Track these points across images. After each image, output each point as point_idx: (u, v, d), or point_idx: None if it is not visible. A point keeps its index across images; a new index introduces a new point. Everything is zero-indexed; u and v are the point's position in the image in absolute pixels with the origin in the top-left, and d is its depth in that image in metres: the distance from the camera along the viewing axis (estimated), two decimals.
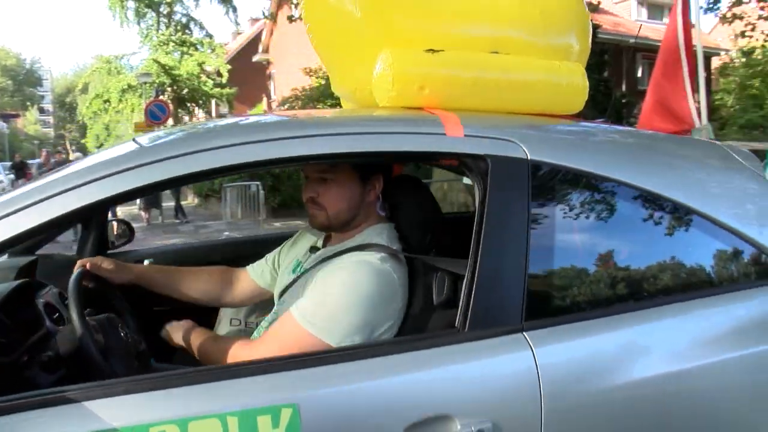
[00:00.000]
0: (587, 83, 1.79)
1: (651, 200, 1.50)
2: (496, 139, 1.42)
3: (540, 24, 1.80)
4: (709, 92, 3.77)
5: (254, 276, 1.91)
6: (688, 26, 2.86)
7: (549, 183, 1.46)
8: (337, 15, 1.74)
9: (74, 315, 1.39)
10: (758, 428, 1.45)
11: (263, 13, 17.85)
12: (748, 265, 1.54)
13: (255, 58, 26.10)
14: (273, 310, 1.70)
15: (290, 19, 11.47)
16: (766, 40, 13.31)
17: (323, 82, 14.68)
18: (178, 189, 12.07)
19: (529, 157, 1.41)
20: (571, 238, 1.48)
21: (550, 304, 1.41)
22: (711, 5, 12.23)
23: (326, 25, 1.82)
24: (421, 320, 1.53)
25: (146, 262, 2.22)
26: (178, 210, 12.84)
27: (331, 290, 1.46)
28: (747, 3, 12.60)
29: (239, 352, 1.45)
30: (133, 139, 1.47)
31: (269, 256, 1.91)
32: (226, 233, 10.25)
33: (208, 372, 1.23)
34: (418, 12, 1.69)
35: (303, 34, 1.99)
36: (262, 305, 1.97)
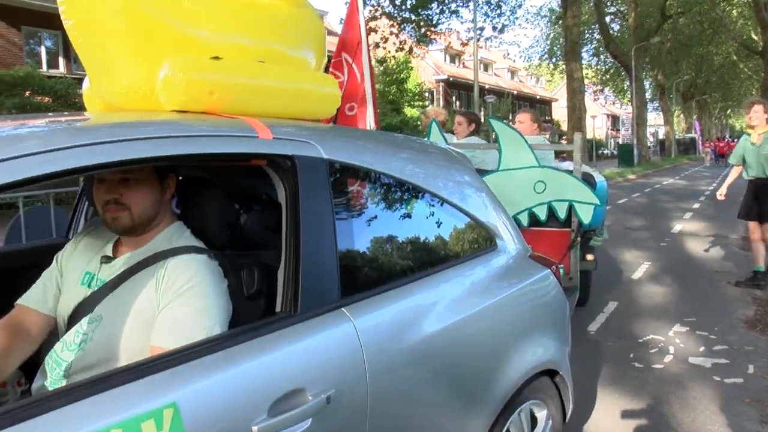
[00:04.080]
0: (339, 93, 2.07)
1: (412, 189, 1.88)
2: (299, 141, 1.60)
3: (294, 39, 2.01)
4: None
5: (39, 306, 1.66)
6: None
7: (340, 177, 1.70)
8: (108, 17, 1.66)
9: None
10: (514, 345, 1.97)
11: None
12: (477, 235, 2.04)
13: None
14: (81, 331, 1.52)
15: None
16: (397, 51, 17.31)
17: None
18: None
19: (324, 156, 1.63)
20: (362, 222, 1.75)
21: (357, 281, 1.65)
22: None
23: (93, 24, 1.70)
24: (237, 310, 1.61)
25: None
26: None
27: (193, 301, 1.46)
28: (380, 19, 16.44)
29: None
30: None
31: (48, 279, 1.70)
32: None
33: (81, 387, 1.11)
34: (194, 20, 1.73)
35: None
36: None
